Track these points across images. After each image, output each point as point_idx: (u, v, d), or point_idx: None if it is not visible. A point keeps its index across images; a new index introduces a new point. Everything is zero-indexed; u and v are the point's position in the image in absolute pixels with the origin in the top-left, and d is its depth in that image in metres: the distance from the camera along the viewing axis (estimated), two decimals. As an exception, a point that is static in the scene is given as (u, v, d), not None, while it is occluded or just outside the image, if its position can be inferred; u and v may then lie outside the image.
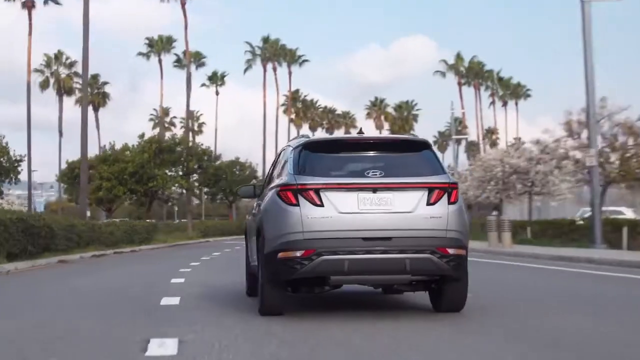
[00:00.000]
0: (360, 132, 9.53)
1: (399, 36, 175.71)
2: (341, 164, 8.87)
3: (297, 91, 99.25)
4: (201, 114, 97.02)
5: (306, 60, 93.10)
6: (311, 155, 8.89)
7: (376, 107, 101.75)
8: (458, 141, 74.20)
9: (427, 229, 8.45)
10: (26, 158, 41.42)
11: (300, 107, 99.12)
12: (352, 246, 8.35)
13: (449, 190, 8.60)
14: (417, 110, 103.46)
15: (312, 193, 8.47)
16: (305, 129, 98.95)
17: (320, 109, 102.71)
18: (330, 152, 8.97)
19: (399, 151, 9.01)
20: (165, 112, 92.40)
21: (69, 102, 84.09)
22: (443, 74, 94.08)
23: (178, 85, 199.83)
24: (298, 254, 8.36)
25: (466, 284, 8.94)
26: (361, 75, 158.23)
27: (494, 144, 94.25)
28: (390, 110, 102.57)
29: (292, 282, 8.67)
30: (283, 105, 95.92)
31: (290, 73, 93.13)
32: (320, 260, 8.31)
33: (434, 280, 8.92)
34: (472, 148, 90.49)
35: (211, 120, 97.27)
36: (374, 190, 8.48)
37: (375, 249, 8.35)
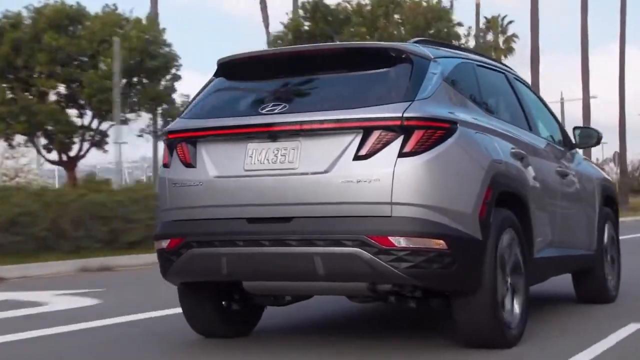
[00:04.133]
0: (332, 40, 5.88)
1: None
2: (250, 97, 5.42)
3: None
4: (510, 21, 57.90)
5: None
6: (223, 84, 5.60)
7: None
8: None
9: (350, 201, 4.76)
10: None
11: None
12: (233, 232, 4.99)
13: (403, 130, 4.76)
14: None
15: (184, 147, 5.25)
16: None
17: None
18: (248, 79, 5.57)
19: (357, 69, 5.22)
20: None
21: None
22: None
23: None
24: (164, 244, 5.25)
25: (486, 301, 4.95)
26: None
27: None
28: None
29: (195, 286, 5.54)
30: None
31: None
32: (188, 256, 5.11)
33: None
34: None
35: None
36: (273, 136, 4.99)
37: (265, 238, 4.91)
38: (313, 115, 4.90)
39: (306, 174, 4.83)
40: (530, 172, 5.84)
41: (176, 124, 5.40)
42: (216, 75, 5.63)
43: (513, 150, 5.59)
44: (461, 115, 5.11)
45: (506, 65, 6.77)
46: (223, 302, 5.69)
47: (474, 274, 4.89)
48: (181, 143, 5.24)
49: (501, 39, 56.54)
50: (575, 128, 7.39)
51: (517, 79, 6.73)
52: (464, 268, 4.81)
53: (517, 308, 5.33)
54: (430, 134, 4.77)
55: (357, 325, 6.47)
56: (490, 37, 54.35)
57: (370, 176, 4.70)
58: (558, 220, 6.36)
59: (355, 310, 6.93)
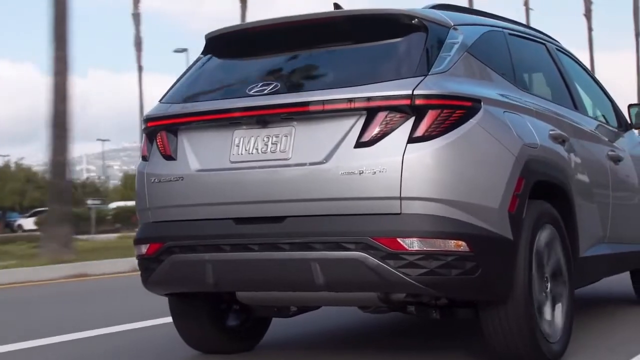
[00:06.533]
0: (337, 7, 5.07)
1: None
2: (239, 76, 4.66)
3: None
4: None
5: None
6: (211, 62, 4.85)
7: None
8: None
9: (352, 197, 3.97)
10: None
11: None
12: (218, 235, 4.25)
13: (414, 110, 3.95)
14: None
15: (163, 136, 4.54)
16: None
17: None
18: (239, 55, 4.80)
19: (361, 40, 4.41)
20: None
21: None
22: None
23: None
24: (143, 249, 4.53)
25: (519, 311, 4.13)
26: None
27: None
28: None
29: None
30: None
31: None
32: (170, 263, 4.38)
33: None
34: None
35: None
36: (262, 121, 4.23)
37: (254, 241, 4.15)
38: (308, 96, 4.12)
39: (300, 165, 4.07)
40: (575, 157, 5.01)
41: (155, 109, 4.67)
42: (204, 52, 4.90)
43: (552, 132, 4.77)
44: (487, 91, 4.30)
45: (547, 35, 5.91)
46: (221, 314, 4.98)
47: (504, 280, 4.09)
48: (159, 133, 4.52)
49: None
50: (630, 106, 6.49)
51: (560, 51, 5.88)
52: (490, 273, 4.01)
53: (559, 318, 4.52)
54: (447, 114, 3.97)
55: (376, 337, 5.70)
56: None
57: (375, 166, 3.91)
58: (611, 212, 5.52)
59: (375, 320, 6.16)
